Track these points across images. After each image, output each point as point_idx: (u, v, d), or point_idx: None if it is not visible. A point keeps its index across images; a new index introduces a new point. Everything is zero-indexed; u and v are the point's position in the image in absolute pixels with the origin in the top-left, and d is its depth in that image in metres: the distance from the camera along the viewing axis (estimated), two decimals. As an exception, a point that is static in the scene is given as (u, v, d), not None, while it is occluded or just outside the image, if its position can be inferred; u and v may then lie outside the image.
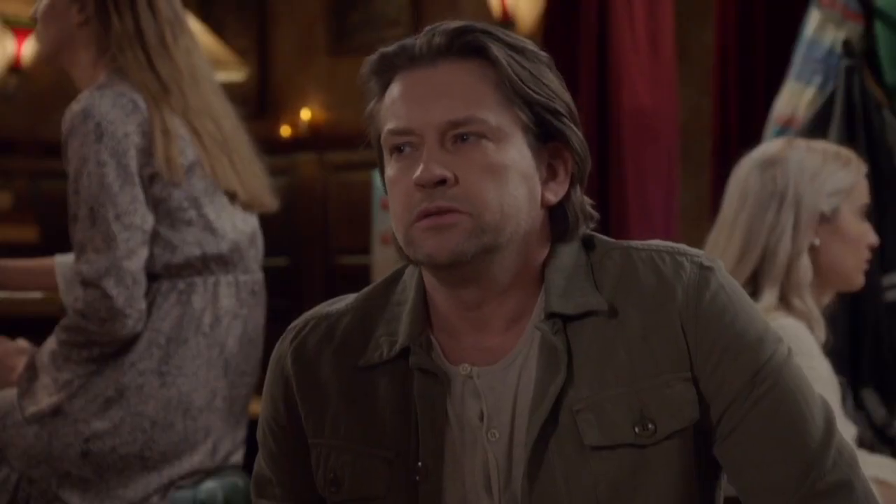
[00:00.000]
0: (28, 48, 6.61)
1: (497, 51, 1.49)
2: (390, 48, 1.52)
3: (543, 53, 1.54)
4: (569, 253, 1.53)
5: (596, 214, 1.58)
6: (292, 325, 1.62)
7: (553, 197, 1.52)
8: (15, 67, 6.59)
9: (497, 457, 1.49)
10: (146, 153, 2.45)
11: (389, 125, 1.50)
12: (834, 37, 3.38)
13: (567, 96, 1.53)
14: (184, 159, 2.48)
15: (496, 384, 1.50)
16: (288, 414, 1.59)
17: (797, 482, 1.46)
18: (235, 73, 5.97)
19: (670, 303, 1.48)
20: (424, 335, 1.53)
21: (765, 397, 1.47)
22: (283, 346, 1.60)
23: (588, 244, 1.56)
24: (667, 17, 4.30)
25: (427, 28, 1.52)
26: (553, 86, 1.51)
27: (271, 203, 2.67)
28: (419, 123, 1.47)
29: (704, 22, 4.80)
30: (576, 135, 1.52)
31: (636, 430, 1.46)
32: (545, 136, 1.51)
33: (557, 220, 1.54)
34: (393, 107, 1.50)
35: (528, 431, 1.47)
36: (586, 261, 1.54)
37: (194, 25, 5.78)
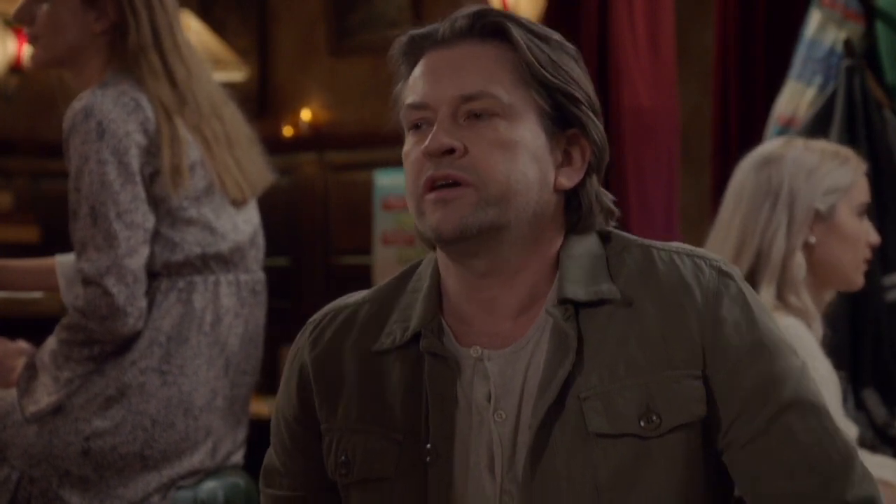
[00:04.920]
0: (29, 48, 6.59)
1: (517, 33, 1.52)
2: (419, 31, 1.56)
3: (570, 45, 1.56)
4: (584, 243, 1.55)
5: (616, 210, 1.59)
6: (311, 318, 1.65)
7: (567, 182, 1.54)
8: (16, 68, 6.59)
9: (502, 438, 1.50)
10: (147, 152, 2.45)
11: (407, 101, 1.54)
12: (835, 37, 3.38)
13: (589, 87, 1.56)
14: (187, 161, 2.48)
15: (505, 367, 1.52)
16: (301, 406, 1.61)
17: (823, 495, 1.46)
18: (236, 73, 5.96)
19: (688, 303, 1.50)
20: (436, 320, 1.55)
21: (787, 411, 1.48)
22: (302, 338, 1.64)
23: (605, 237, 1.58)
24: (667, 16, 4.29)
25: (452, 14, 1.56)
26: (573, 74, 1.54)
27: (270, 180, 2.67)
28: (433, 98, 1.51)
29: (705, 22, 4.80)
30: (594, 123, 1.55)
31: (641, 423, 1.47)
32: (563, 122, 1.53)
33: (572, 207, 1.56)
34: (413, 84, 1.54)
35: (534, 414, 1.48)
36: (602, 252, 1.55)
37: (195, 25, 5.80)
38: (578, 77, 1.55)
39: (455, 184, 1.48)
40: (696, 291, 1.50)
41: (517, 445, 1.50)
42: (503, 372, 1.52)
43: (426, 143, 1.49)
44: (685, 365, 1.48)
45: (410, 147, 1.53)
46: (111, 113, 2.42)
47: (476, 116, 1.50)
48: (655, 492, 1.47)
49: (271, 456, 1.66)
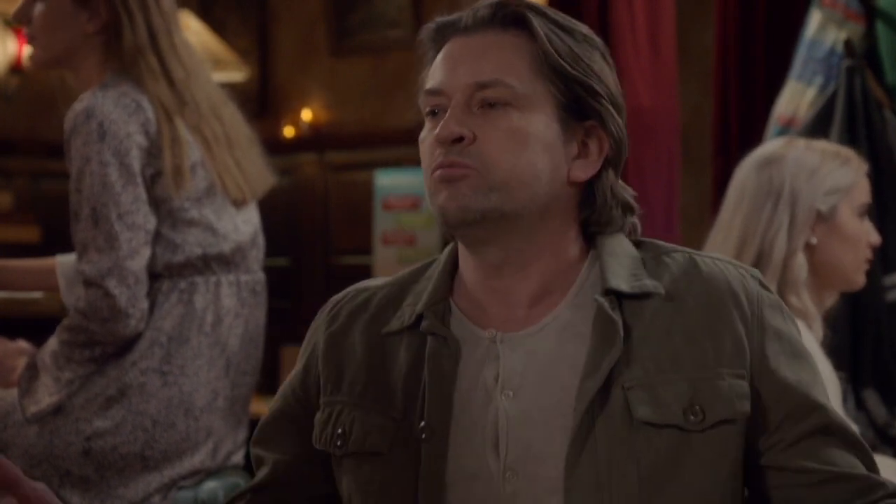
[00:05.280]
0: (29, 48, 6.57)
1: (537, 23, 1.53)
2: (444, 18, 1.58)
3: (597, 39, 1.57)
4: (619, 243, 1.58)
5: (636, 206, 1.61)
6: (334, 297, 1.68)
7: (581, 174, 1.55)
8: (16, 68, 6.58)
9: (508, 415, 1.51)
10: (149, 153, 2.45)
11: (425, 87, 1.56)
12: (835, 37, 3.38)
13: (611, 81, 1.56)
14: (188, 162, 2.48)
15: (518, 348, 1.53)
16: (303, 380, 1.65)
17: (867, 478, 1.51)
18: (236, 74, 5.96)
19: (735, 306, 1.53)
20: (442, 303, 1.57)
21: (829, 423, 1.52)
22: (321, 316, 1.67)
23: (637, 244, 1.60)
24: (667, 16, 4.29)
25: (478, 3, 1.57)
26: (595, 66, 1.54)
27: (270, 183, 2.67)
28: (448, 85, 1.53)
29: (705, 22, 4.80)
30: (612, 117, 1.55)
31: (685, 416, 1.48)
32: (580, 113, 1.54)
33: (587, 201, 1.57)
34: (432, 70, 1.56)
35: (579, 400, 1.48)
36: (637, 255, 1.58)
37: (195, 25, 5.78)
38: (600, 70, 1.55)
39: (462, 165, 1.50)
40: (741, 296, 1.53)
41: (524, 424, 1.50)
42: (515, 352, 1.53)
43: (438, 128, 1.51)
44: (730, 364, 1.51)
45: (426, 133, 1.56)
46: (112, 114, 2.42)
47: (490, 105, 1.51)
48: (697, 484, 1.48)
49: (266, 416, 1.69)
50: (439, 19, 1.59)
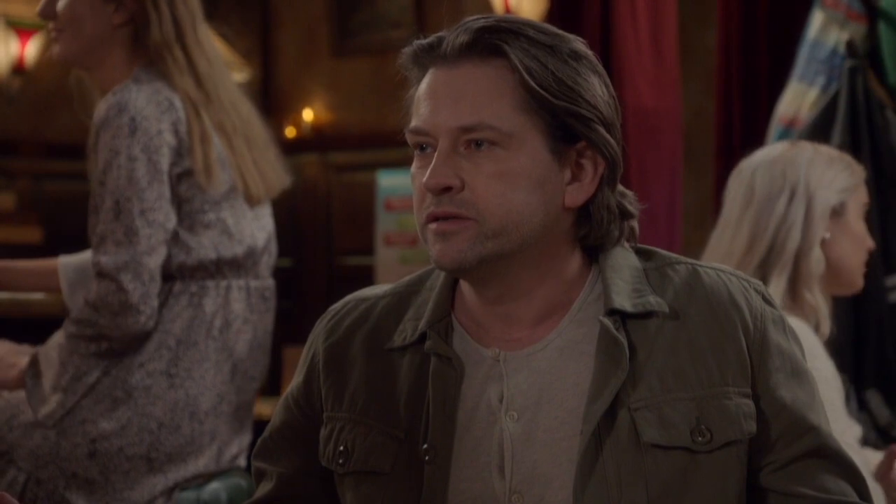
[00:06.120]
0: (32, 49, 6.60)
1: (518, 53, 1.48)
2: (425, 41, 1.53)
3: (584, 50, 1.53)
4: (620, 254, 1.56)
5: (635, 211, 1.58)
6: (332, 306, 1.66)
7: (576, 200, 1.52)
8: (18, 68, 6.60)
9: (513, 437, 1.50)
10: (177, 153, 2.45)
11: (411, 123, 1.53)
12: (837, 37, 3.38)
13: (600, 98, 1.52)
14: (215, 157, 2.48)
15: (521, 368, 1.52)
16: (305, 392, 1.63)
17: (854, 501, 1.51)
18: (239, 74, 5.97)
19: (739, 320, 1.52)
20: (445, 321, 1.56)
21: (825, 443, 1.51)
22: (320, 325, 1.65)
23: (639, 252, 1.58)
24: (670, 17, 4.30)
25: (461, 22, 1.53)
26: (581, 89, 1.50)
27: (286, 182, 2.67)
28: (433, 126, 1.50)
29: (707, 22, 4.80)
30: (602, 138, 1.51)
31: (692, 436, 1.47)
32: (572, 136, 1.50)
33: (587, 220, 1.54)
34: (417, 104, 1.53)
35: (585, 422, 1.47)
36: (640, 266, 1.56)
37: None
38: (588, 89, 1.51)
39: (455, 217, 1.48)
40: (745, 310, 1.52)
41: (530, 445, 1.50)
42: (518, 372, 1.52)
43: (426, 176, 1.49)
44: (735, 382, 1.50)
45: (416, 170, 1.53)
46: (145, 110, 2.42)
47: (476, 144, 1.48)
48: (707, 503, 1.47)
49: (268, 429, 1.68)
50: (417, 43, 1.54)
